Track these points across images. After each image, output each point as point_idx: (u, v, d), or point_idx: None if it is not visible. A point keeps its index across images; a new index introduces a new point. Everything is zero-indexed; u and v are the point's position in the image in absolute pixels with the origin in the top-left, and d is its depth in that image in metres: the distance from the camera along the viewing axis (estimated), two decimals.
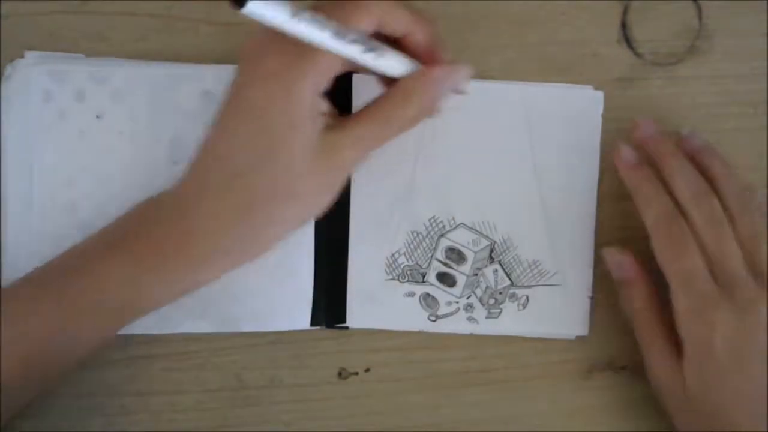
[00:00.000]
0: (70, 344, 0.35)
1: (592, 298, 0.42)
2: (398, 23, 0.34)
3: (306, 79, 0.32)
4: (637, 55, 0.43)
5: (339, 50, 0.31)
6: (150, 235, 0.35)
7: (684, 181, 0.38)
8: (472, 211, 0.42)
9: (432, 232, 0.41)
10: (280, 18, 0.28)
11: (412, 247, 0.41)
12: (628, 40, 0.43)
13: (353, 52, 0.31)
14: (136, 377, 0.41)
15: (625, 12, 0.42)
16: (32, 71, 0.39)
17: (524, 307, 0.42)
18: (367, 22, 0.33)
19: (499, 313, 0.42)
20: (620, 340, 0.43)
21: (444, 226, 0.41)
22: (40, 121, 0.39)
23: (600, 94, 0.42)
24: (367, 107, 0.35)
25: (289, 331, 0.41)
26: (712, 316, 0.36)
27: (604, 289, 0.42)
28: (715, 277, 0.37)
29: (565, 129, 0.42)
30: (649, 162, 0.40)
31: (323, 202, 0.35)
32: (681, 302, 0.37)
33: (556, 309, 0.42)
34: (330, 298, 0.41)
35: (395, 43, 0.34)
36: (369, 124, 0.34)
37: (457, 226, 0.41)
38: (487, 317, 0.42)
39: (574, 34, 0.42)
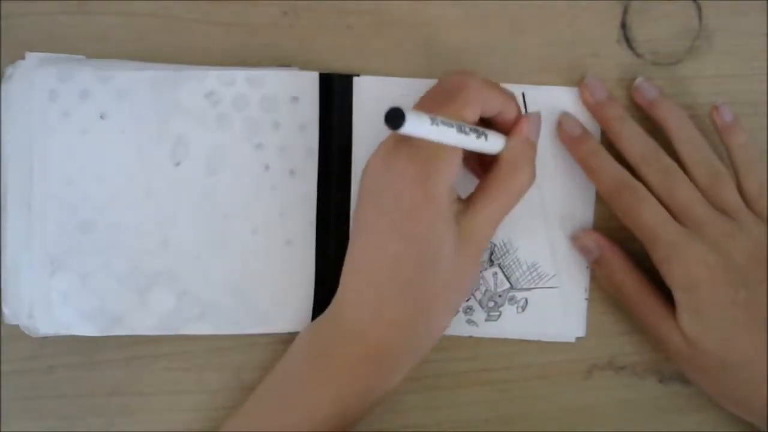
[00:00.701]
0: None
1: (588, 299, 0.42)
2: (495, 106, 0.37)
3: (445, 180, 0.35)
4: (637, 55, 0.43)
5: (461, 143, 0.34)
6: (341, 361, 0.37)
7: (629, 143, 0.40)
8: None
9: None
10: (425, 128, 0.31)
11: None
12: (628, 40, 0.43)
13: (471, 142, 0.34)
14: (136, 377, 0.41)
15: (625, 12, 0.42)
16: (39, 71, 0.39)
17: (523, 310, 0.42)
18: (474, 113, 0.35)
19: (499, 315, 0.42)
20: (620, 340, 0.43)
21: None
22: (45, 120, 0.39)
23: None
24: (484, 186, 0.37)
25: (290, 332, 0.41)
26: (688, 257, 0.37)
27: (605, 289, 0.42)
28: (683, 224, 0.38)
29: None
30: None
31: (474, 278, 0.39)
32: (656, 255, 0.38)
33: (554, 311, 0.42)
34: (331, 301, 0.41)
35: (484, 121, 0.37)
36: (494, 202, 0.36)
37: None
38: (486, 320, 0.42)
39: (574, 34, 0.42)
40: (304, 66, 0.41)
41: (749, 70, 0.43)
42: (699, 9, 0.43)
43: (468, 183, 0.38)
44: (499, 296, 0.42)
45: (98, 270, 0.39)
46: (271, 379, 0.39)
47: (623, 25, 0.42)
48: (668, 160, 0.39)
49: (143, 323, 0.40)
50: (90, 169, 0.40)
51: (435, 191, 0.34)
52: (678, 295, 0.38)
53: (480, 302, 0.42)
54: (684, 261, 0.37)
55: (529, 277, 0.42)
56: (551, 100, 0.42)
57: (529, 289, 0.42)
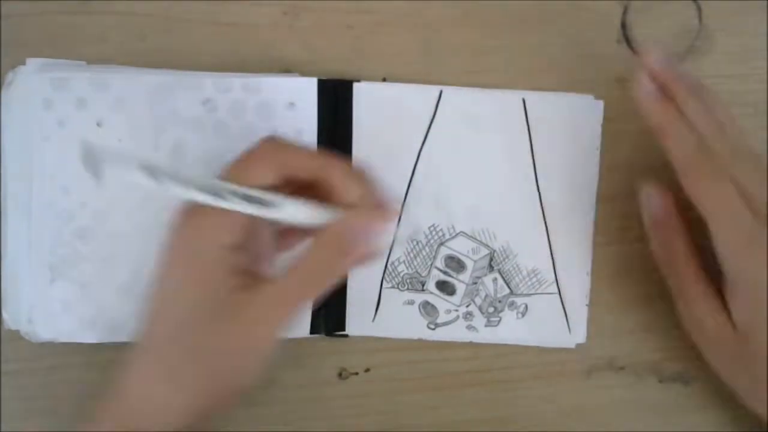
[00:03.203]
0: None
1: (588, 305, 0.42)
2: (302, 170, 0.33)
3: (204, 237, 0.32)
4: (637, 55, 0.42)
5: (219, 205, 0.31)
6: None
7: (705, 120, 0.37)
8: (472, 220, 0.41)
9: (432, 241, 0.41)
10: (137, 178, 0.28)
11: (411, 255, 0.41)
12: (628, 40, 0.42)
13: (234, 205, 0.31)
14: None
15: (625, 12, 0.42)
16: (33, 79, 0.39)
17: (523, 316, 0.42)
18: (264, 176, 0.32)
19: (498, 321, 0.42)
20: (620, 340, 0.43)
21: (444, 235, 0.41)
22: (40, 129, 0.39)
23: (600, 104, 0.42)
24: (297, 265, 0.32)
25: (289, 338, 0.41)
26: (758, 250, 0.36)
27: (605, 290, 0.42)
28: (753, 211, 0.36)
29: (565, 137, 0.42)
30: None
31: (243, 368, 0.33)
32: (722, 238, 0.36)
33: (554, 317, 0.42)
34: (329, 306, 0.41)
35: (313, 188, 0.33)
36: (299, 281, 0.32)
37: (456, 235, 0.41)
38: (486, 325, 0.42)
39: (574, 34, 0.42)
40: (304, 66, 0.41)
41: (749, 70, 0.43)
42: (699, 9, 0.43)
43: None
44: (499, 302, 0.42)
45: (97, 278, 0.40)
46: None
47: (623, 25, 0.42)
48: (743, 143, 0.38)
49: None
50: (87, 177, 0.39)
51: (194, 248, 0.32)
52: (737, 285, 0.36)
53: (480, 308, 0.42)
54: (754, 254, 0.36)
55: (529, 283, 0.42)
56: (551, 108, 0.41)
57: (528, 295, 0.42)
